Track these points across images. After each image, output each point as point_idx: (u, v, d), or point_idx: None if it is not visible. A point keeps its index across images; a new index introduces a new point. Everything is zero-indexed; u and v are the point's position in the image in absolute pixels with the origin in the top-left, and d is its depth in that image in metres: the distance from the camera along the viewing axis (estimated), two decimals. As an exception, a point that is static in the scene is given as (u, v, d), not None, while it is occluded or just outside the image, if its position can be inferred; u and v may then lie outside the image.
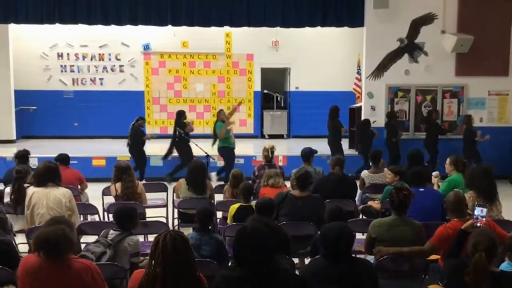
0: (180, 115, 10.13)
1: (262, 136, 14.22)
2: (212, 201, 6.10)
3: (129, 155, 9.93)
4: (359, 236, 5.29)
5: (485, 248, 2.79)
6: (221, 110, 10.27)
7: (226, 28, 12.08)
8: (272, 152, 7.26)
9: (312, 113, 14.11)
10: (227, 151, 9.60)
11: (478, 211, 3.74)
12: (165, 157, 10.20)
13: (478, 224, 3.57)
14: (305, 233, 4.74)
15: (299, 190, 5.01)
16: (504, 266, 3.43)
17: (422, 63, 10.62)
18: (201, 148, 9.09)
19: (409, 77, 10.74)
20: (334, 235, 2.81)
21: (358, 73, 12.54)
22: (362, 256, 4.49)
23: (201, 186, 5.90)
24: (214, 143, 9.71)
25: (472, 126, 10.29)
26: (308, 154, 6.96)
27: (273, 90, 14.76)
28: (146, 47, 13.98)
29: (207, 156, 8.67)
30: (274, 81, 15.00)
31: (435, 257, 4.01)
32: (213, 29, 11.45)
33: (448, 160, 6.29)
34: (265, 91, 14.71)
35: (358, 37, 11.32)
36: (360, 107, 11.37)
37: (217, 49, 14.08)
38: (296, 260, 4.84)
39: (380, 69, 10.66)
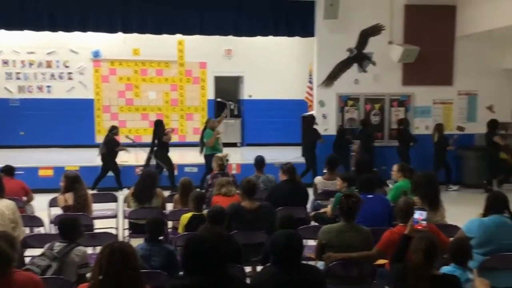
0: (159, 124, 10.05)
1: (216, 145, 14.17)
2: (164, 210, 6.03)
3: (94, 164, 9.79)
4: (311, 242, 5.38)
5: (424, 251, 2.88)
6: (210, 118, 10.22)
7: (179, 36, 12.02)
8: (226, 161, 7.26)
9: (265, 121, 14.26)
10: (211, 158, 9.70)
11: (417, 215, 3.84)
12: (145, 166, 10.01)
13: (419, 228, 3.68)
14: (257, 241, 4.75)
15: (248, 201, 5.01)
16: (448, 269, 3.56)
17: (371, 72, 10.91)
18: (154, 157, 9.00)
19: (358, 86, 11.02)
20: (283, 243, 2.83)
21: (310, 82, 12.75)
22: (313, 262, 4.55)
23: (146, 196, 5.82)
24: (202, 150, 9.78)
25: (443, 134, 10.67)
26: (260, 162, 6.99)
27: (227, 98, 14.79)
28: (96, 54, 13.71)
29: (159, 166, 8.58)
30: (227, 89, 15.04)
31: (383, 261, 4.11)
32: (165, 36, 11.37)
33: (395, 167, 6.47)
34: (219, 100, 14.71)
35: (310, 46, 11.52)
36: (312, 115, 11.54)
37: (169, 57, 13.98)
38: (248, 268, 4.85)
39: (331, 78, 10.86)
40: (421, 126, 11.19)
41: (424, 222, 3.72)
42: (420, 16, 10.77)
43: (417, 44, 10.61)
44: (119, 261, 2.46)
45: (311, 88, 12.47)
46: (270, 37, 11.39)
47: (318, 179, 6.98)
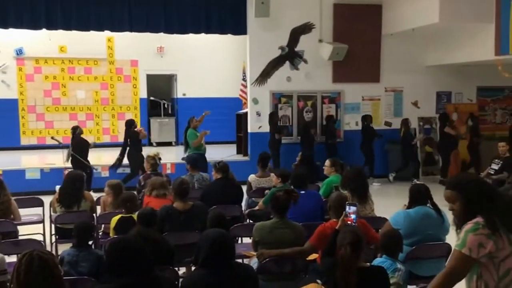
0: (131, 123, 9.86)
1: (150, 144, 13.90)
2: (94, 214, 5.82)
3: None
4: (246, 240, 5.39)
5: (350, 243, 2.96)
6: (193, 117, 10.01)
7: (108, 33, 11.65)
8: (159, 159, 7.11)
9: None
10: (194, 158, 9.49)
11: (348, 209, 3.95)
12: (115, 166, 9.82)
13: (349, 222, 3.78)
14: (190, 241, 4.68)
15: (180, 202, 4.94)
16: (379, 260, 3.68)
17: (303, 70, 11.11)
18: (81, 158, 8.68)
19: (291, 83, 11.18)
20: (211, 243, 2.80)
21: (244, 79, 12.80)
22: (247, 260, 4.56)
23: (74, 200, 5.59)
24: (186, 150, 9.76)
25: (409, 129, 11.10)
26: (193, 161, 6.91)
27: (160, 97, 14.54)
28: (19, 52, 13.03)
29: (87, 167, 8.28)
30: (160, 87, 14.79)
31: (315, 256, 4.18)
32: (94, 33, 10.96)
33: (327, 162, 6.62)
34: (152, 98, 14.44)
35: (244, 44, 11.55)
36: (247, 113, 11.60)
37: (98, 54, 13.54)
38: (183, 269, 4.78)
39: (264, 76, 10.96)
40: (351, 122, 11.52)
41: (353, 216, 3.81)
42: (348, 15, 11.08)
43: (346, 42, 10.91)
44: (39, 270, 2.33)
45: (245, 86, 12.53)
46: (204, 35, 11.30)
47: (251, 177, 7.02)
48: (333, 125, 11.16)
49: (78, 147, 9.41)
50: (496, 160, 8.36)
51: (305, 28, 10.88)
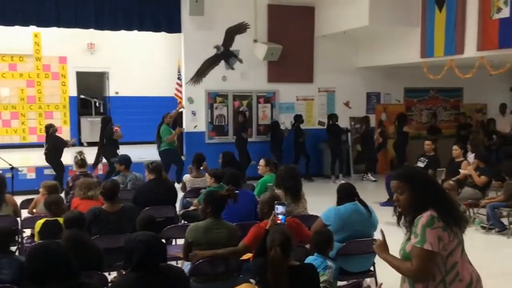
0: (107, 122, 9.84)
1: (81, 144, 13.40)
2: (18, 218, 5.51)
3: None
4: (180, 241, 5.30)
5: (280, 244, 2.98)
6: (168, 113, 10.19)
7: (34, 28, 11.09)
8: (81, 159, 6.87)
9: (133, 119, 13.78)
10: (171, 153, 9.73)
11: (277, 210, 3.93)
12: (94, 165, 9.53)
13: (278, 222, 3.83)
14: (120, 244, 4.52)
15: (109, 204, 4.78)
16: (311, 258, 3.73)
17: (238, 70, 11.13)
18: (4, 159, 8.20)
19: (226, 83, 11.16)
20: (136, 246, 2.72)
21: (179, 78, 12.61)
22: (181, 262, 4.49)
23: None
24: (159, 146, 9.85)
25: (369, 127, 11.70)
26: (126, 161, 6.74)
27: (91, 95, 14.07)
28: None
29: (12, 169, 7.84)
30: (91, 85, 14.31)
31: (249, 255, 4.18)
32: (18, 28, 10.40)
33: (262, 162, 6.66)
34: (82, 96, 13.93)
35: (178, 42, 11.39)
36: (182, 112, 11.45)
37: (24, 51, 12.89)
38: (114, 273, 4.63)
39: (199, 75, 10.87)
40: (286, 122, 11.67)
41: (281, 217, 3.85)
42: (282, 15, 11.22)
43: (281, 42, 11.04)
44: None
45: (180, 85, 12.36)
46: (137, 32, 11.01)
47: (186, 177, 6.98)
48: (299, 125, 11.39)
49: (55, 145, 9.22)
50: (422, 158, 8.76)
51: (240, 28, 10.90)
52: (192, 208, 6.14)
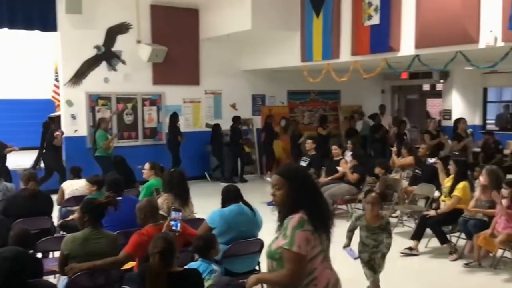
0: (48, 126, 9.68)
1: None
2: None
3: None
4: (57, 254, 4.95)
5: (160, 251, 2.91)
6: (104, 118, 9.96)
7: None
8: None
9: (7, 124, 12.71)
10: (104, 160, 9.28)
11: (174, 215, 3.96)
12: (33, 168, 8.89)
13: (173, 228, 3.78)
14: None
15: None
16: (195, 264, 3.66)
17: (121, 71, 10.75)
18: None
19: (108, 85, 10.72)
20: (1, 264, 2.47)
21: (57, 80, 11.86)
22: (57, 277, 4.20)
23: None
24: (95, 151, 9.52)
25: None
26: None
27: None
28: None
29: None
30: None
31: (133, 264, 4.03)
32: None
33: (146, 165, 6.48)
34: None
35: (55, 42, 10.69)
36: (60, 115, 10.78)
37: None
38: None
39: (78, 76, 10.33)
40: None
41: (173, 223, 3.78)
42: (166, 17, 11.05)
43: (165, 44, 10.87)
44: None
45: (58, 87, 11.63)
46: (8, 30, 10.15)
47: (65, 184, 6.58)
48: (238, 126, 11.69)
49: None
50: (304, 158, 9.13)
51: (122, 28, 10.56)
52: (71, 217, 5.79)
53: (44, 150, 9.69)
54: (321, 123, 12.73)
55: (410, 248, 6.28)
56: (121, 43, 10.54)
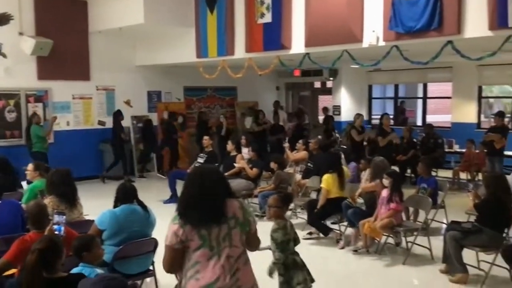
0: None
1: None
2: None
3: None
4: None
5: (40, 248, 2.78)
6: (34, 112, 10.10)
7: None
8: None
9: None
10: (40, 156, 9.02)
11: (57, 218, 3.76)
12: None
13: (56, 233, 3.59)
14: None
15: None
16: (77, 269, 3.34)
17: (1, 65, 9.94)
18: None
19: (-13, 80, 9.86)
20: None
21: None
22: None
23: None
24: (31, 148, 9.63)
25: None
26: None
27: None
28: None
29: None
30: None
31: (14, 270, 3.74)
32: None
33: (30, 166, 6.04)
34: None
35: None
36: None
37: None
38: None
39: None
40: (62, 122, 10.85)
41: (56, 227, 3.58)
42: (51, 8, 10.43)
43: (51, 37, 10.23)
44: None
45: None
46: None
47: None
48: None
49: None
50: (202, 154, 9.10)
51: (2, 19, 9.72)
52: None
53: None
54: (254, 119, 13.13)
55: (310, 233, 6.87)
56: (2, 35, 9.73)
